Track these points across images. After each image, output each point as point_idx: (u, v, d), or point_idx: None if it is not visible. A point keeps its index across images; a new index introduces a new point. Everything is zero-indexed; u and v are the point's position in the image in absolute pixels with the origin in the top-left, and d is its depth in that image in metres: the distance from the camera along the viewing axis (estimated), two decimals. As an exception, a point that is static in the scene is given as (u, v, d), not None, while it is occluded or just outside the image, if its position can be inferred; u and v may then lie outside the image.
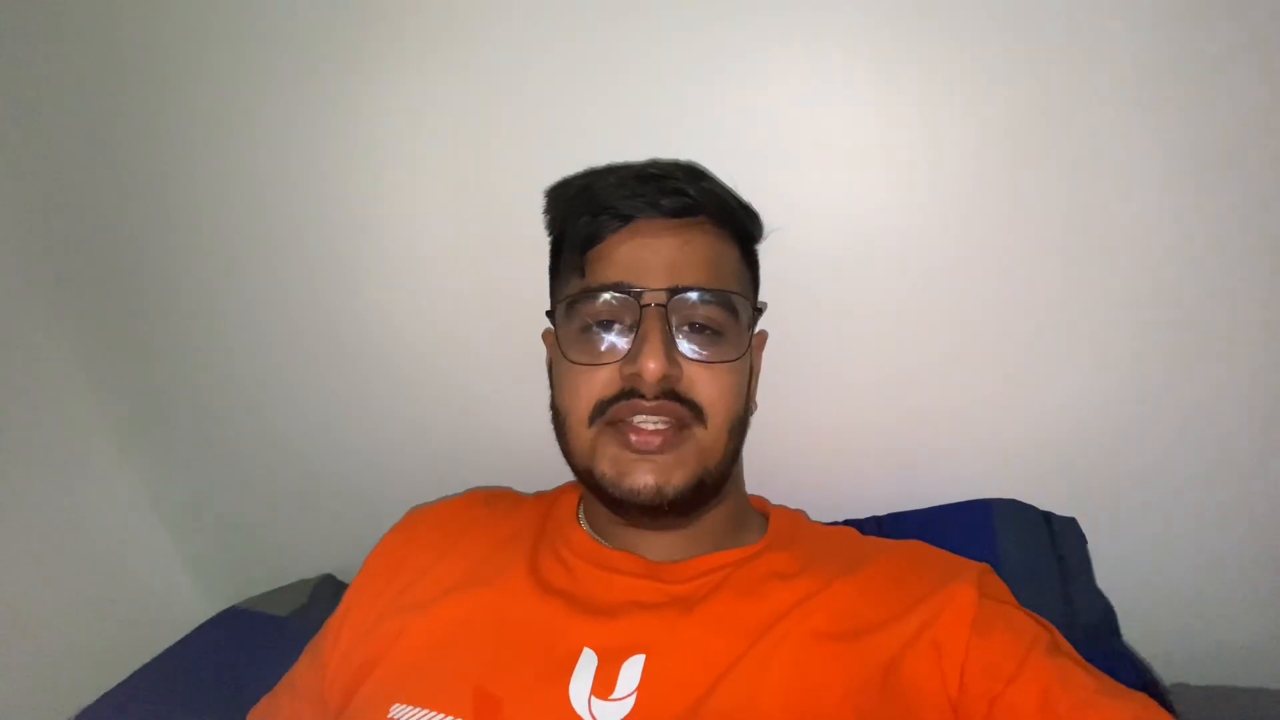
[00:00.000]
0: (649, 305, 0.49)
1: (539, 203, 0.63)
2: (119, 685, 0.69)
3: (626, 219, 0.53)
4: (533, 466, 0.72)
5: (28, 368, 0.82)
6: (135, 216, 0.78)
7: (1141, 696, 0.42)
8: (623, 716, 0.44)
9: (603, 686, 0.46)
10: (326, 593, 0.82)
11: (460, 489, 0.68)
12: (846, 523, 0.66)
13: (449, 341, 0.75)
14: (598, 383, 0.51)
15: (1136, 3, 0.54)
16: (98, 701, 0.68)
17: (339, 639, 0.55)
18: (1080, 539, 0.63)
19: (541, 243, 0.62)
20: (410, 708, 0.47)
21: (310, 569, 0.88)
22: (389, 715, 0.47)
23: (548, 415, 0.58)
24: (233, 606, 0.81)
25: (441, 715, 0.46)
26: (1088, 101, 0.57)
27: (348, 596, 0.58)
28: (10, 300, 0.81)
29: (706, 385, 0.50)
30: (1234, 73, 0.54)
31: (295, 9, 0.66)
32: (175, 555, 0.96)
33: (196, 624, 0.78)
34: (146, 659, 0.73)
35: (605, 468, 0.50)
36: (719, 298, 0.51)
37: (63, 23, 0.72)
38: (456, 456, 0.79)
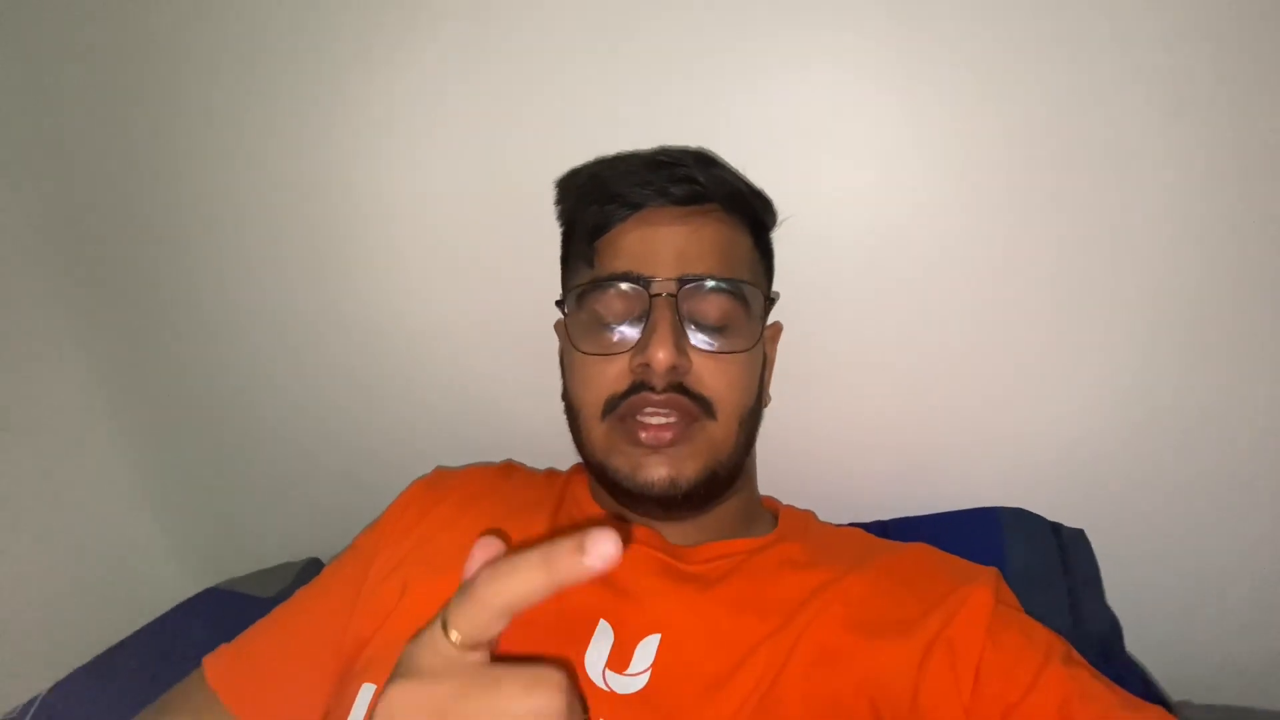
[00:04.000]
0: (659, 295, 0.49)
1: (549, 190, 0.62)
2: (90, 662, 0.68)
3: (635, 207, 0.52)
4: (530, 450, 0.71)
5: (18, 349, 0.81)
6: (133, 206, 0.78)
7: (1158, 709, 0.41)
8: (638, 690, 0.44)
9: (618, 660, 0.45)
10: (311, 577, 0.80)
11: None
12: (852, 525, 0.64)
13: (438, 328, 0.74)
14: (609, 376, 0.50)
15: (1163, 4, 0.54)
16: (68, 677, 0.66)
17: (375, 559, 0.54)
18: (1088, 551, 0.62)
19: (544, 231, 0.61)
20: None
21: (295, 552, 0.86)
22: None
23: (544, 401, 0.57)
24: (212, 587, 0.79)
25: None
26: (1107, 102, 0.56)
27: (374, 539, 0.56)
28: (4, 284, 0.80)
29: (715, 378, 0.49)
30: (1252, 75, 0.54)
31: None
32: (158, 538, 0.94)
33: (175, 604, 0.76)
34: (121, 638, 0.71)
35: (619, 463, 0.49)
36: (730, 287, 0.50)
37: (73, 17, 0.71)
38: (443, 442, 0.78)
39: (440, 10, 0.63)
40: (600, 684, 0.44)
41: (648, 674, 0.44)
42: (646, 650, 0.45)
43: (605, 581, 0.49)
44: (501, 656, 0.44)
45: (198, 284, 0.79)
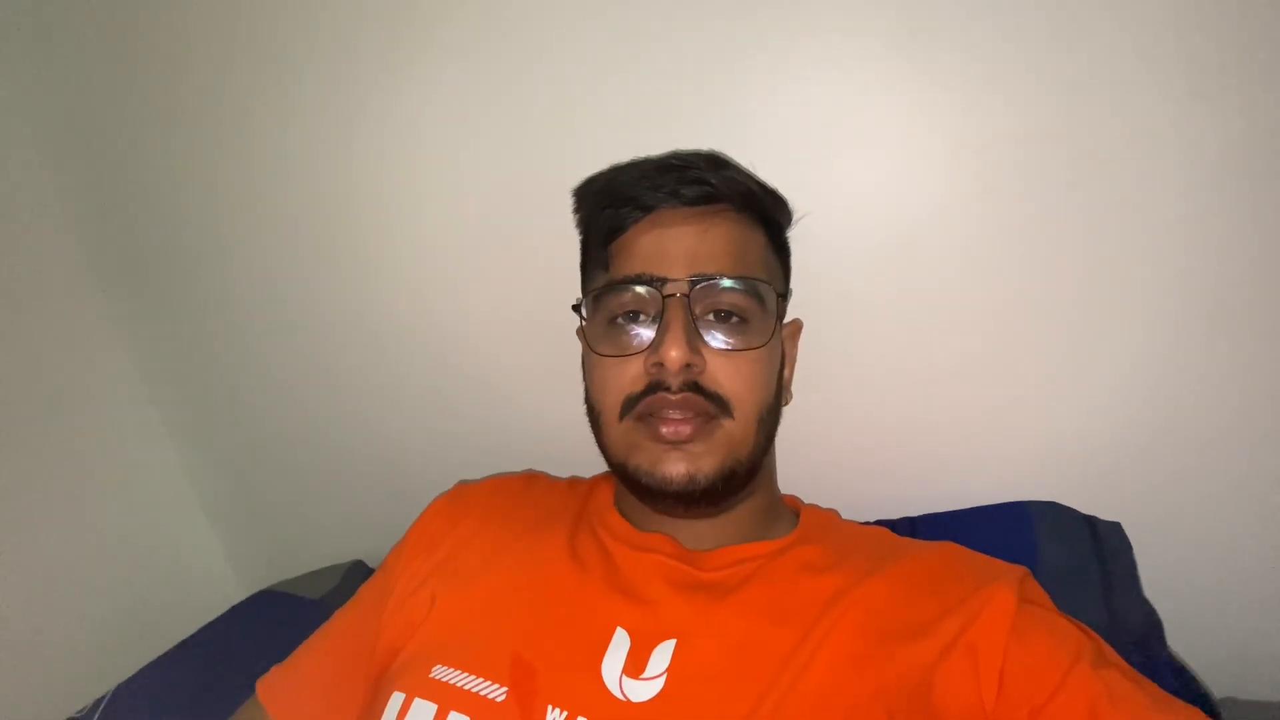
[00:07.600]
0: (672, 295, 0.49)
1: (570, 194, 0.63)
2: (155, 660, 0.71)
3: (648, 209, 0.53)
4: (560, 456, 0.73)
5: (78, 360, 0.85)
6: (180, 215, 0.81)
7: (1194, 710, 0.41)
8: (653, 695, 0.45)
9: (634, 666, 0.46)
10: (357, 578, 0.83)
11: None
12: (879, 523, 0.64)
13: (481, 333, 0.76)
14: (626, 377, 0.51)
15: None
16: (135, 675, 0.69)
17: (400, 575, 0.56)
18: (1125, 544, 0.61)
19: (572, 239, 0.62)
20: (451, 669, 0.48)
21: (341, 555, 0.89)
22: (430, 675, 0.48)
23: (575, 407, 0.58)
24: (266, 589, 0.82)
25: (479, 679, 0.47)
26: (1127, 96, 0.55)
27: (398, 557, 0.58)
28: (64, 295, 0.84)
29: (730, 377, 0.50)
30: (1265, 60, 0.52)
31: (330, 6, 0.67)
32: (214, 541, 0.99)
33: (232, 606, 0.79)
34: (183, 638, 0.75)
35: (639, 459, 0.50)
36: (742, 284, 0.51)
37: (116, 27, 0.75)
38: (485, 447, 0.80)
39: (466, 18, 0.65)
40: (617, 693, 0.45)
41: (663, 679, 0.45)
42: (662, 655, 0.46)
43: (622, 590, 0.50)
44: (523, 664, 0.46)
45: (250, 295, 0.82)
